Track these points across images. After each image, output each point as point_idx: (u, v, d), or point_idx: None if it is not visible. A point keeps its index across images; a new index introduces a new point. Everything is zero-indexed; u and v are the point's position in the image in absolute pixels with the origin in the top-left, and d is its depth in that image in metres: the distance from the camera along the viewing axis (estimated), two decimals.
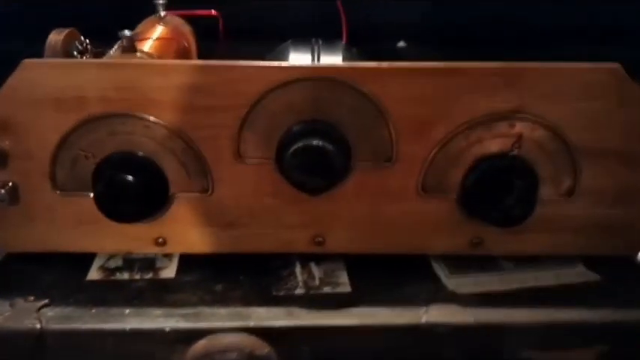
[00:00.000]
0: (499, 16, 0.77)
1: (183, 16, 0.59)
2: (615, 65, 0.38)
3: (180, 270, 0.43)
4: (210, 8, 0.62)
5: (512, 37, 0.74)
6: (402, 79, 0.38)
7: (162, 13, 0.57)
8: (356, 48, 0.54)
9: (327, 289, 0.42)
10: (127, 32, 0.46)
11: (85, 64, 0.39)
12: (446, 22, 0.79)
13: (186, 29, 0.58)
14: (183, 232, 0.43)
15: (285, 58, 0.45)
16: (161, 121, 0.39)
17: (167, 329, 0.37)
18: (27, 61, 0.38)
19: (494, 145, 0.40)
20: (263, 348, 0.37)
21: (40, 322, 0.37)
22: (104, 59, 0.44)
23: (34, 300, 0.39)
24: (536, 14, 0.76)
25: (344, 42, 0.63)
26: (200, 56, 0.59)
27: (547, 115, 0.39)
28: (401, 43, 0.79)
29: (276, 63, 0.38)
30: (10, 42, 0.62)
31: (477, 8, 0.78)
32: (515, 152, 0.40)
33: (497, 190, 0.39)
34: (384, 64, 0.38)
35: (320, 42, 0.47)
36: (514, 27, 0.77)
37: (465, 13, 0.79)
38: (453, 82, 0.38)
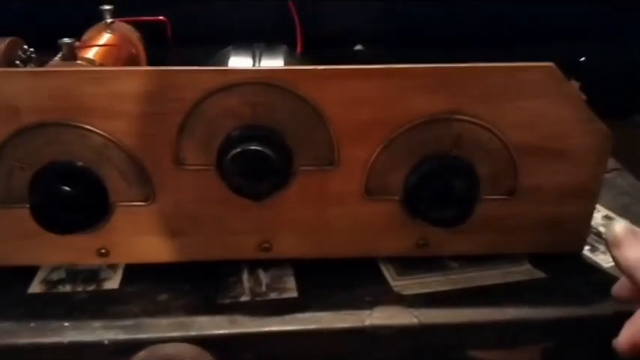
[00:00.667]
0: (455, 15, 0.77)
1: (132, 23, 0.58)
2: (549, 64, 0.39)
3: (124, 280, 0.43)
4: (163, 14, 0.61)
5: (471, 36, 0.75)
6: (338, 82, 0.38)
7: (109, 20, 0.56)
8: (304, 52, 0.54)
9: (273, 295, 0.41)
10: (66, 40, 0.45)
11: (17, 74, 0.38)
12: (404, 24, 0.79)
13: (135, 36, 0.57)
14: (127, 241, 0.42)
15: (225, 62, 0.45)
16: (97, 130, 0.39)
17: (106, 342, 0.37)
18: None
19: (433, 146, 0.40)
20: (205, 357, 0.37)
21: None
22: (38, 68, 0.43)
23: None
24: (501, 13, 0.76)
25: (299, 46, 0.63)
26: (150, 63, 0.58)
27: (484, 115, 0.39)
28: (358, 47, 0.79)
29: (211, 68, 0.38)
30: None
31: (437, 9, 0.78)
32: (454, 153, 0.40)
33: (438, 191, 0.40)
34: (320, 67, 0.38)
35: (262, 46, 0.47)
36: (472, 27, 0.77)
37: (424, 15, 0.79)
38: (389, 84, 0.38)
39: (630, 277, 0.34)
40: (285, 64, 0.45)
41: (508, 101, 0.39)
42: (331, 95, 0.38)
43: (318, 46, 0.62)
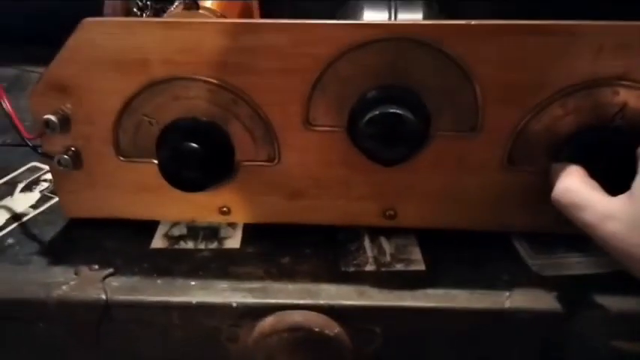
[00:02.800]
0: None
1: None
2: None
3: (244, 240, 0.42)
4: None
5: None
6: (492, 38, 0.34)
7: None
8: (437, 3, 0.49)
9: (399, 267, 0.39)
10: None
11: (148, 24, 0.36)
12: None
13: None
14: (248, 201, 0.41)
15: (358, 16, 0.41)
16: (226, 85, 0.37)
17: (234, 304, 0.36)
18: (86, 20, 0.36)
19: (593, 115, 0.36)
20: (333, 327, 0.35)
21: (106, 292, 0.37)
22: (167, 18, 0.42)
23: (99, 269, 0.38)
24: None
25: None
26: (264, 15, 0.56)
27: None
28: None
29: (350, 22, 0.35)
30: None
31: None
32: (617, 123, 0.35)
33: (596, 166, 0.35)
34: (473, 22, 0.34)
35: None
36: None
37: None
38: (550, 43, 0.34)
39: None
40: (424, 17, 0.41)
41: None
42: (482, 53, 0.34)
43: None
